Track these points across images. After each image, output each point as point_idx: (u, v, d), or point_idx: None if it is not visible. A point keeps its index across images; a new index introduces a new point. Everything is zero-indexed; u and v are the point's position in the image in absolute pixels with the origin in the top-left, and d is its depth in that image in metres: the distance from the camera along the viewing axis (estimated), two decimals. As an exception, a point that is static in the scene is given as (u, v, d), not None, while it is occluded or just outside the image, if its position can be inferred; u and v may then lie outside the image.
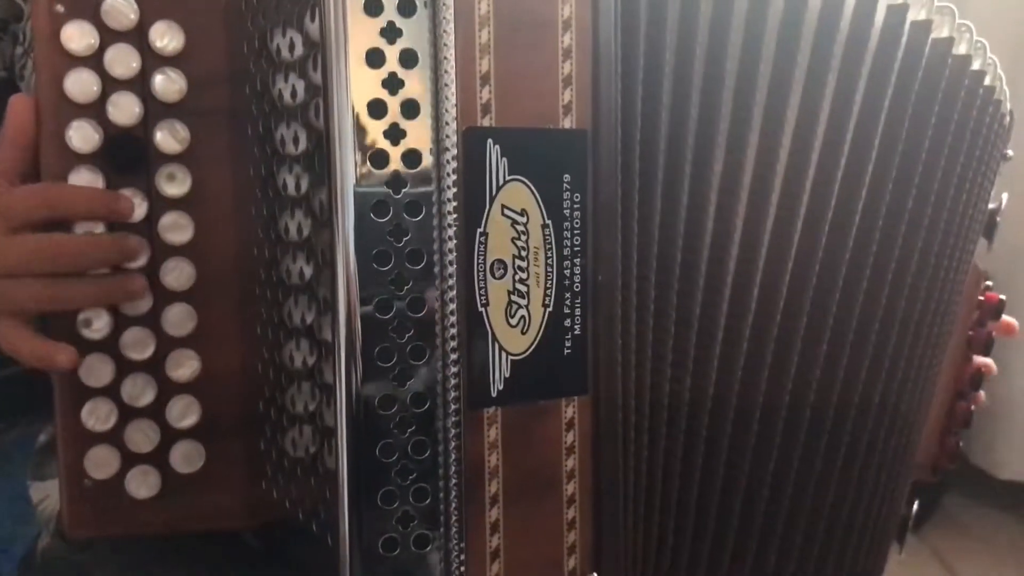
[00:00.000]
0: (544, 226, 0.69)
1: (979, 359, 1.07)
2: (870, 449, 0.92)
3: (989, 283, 1.08)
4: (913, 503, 1.05)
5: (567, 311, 0.71)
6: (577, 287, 0.71)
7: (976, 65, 0.91)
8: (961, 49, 0.90)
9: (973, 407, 1.07)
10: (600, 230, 0.72)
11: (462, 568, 0.68)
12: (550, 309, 0.70)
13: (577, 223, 0.71)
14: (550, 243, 0.70)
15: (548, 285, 0.70)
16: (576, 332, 0.72)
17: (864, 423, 0.91)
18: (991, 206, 1.03)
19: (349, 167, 0.64)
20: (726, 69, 0.77)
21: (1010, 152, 1.03)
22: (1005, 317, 1.09)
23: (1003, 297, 1.07)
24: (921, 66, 0.86)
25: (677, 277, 0.77)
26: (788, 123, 0.81)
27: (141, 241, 0.73)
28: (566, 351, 0.71)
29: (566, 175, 0.70)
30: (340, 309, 0.65)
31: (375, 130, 0.65)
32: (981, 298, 1.08)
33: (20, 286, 0.70)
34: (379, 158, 0.65)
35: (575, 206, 0.70)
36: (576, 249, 0.71)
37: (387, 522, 0.67)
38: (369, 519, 0.67)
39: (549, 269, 0.70)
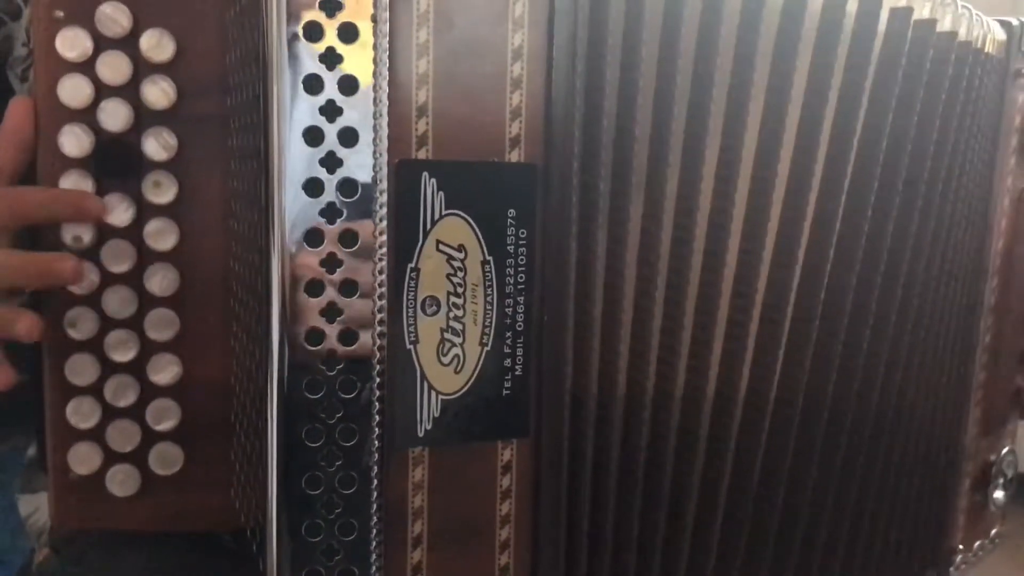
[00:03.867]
0: (484, 262, 0.67)
1: None
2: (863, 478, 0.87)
3: None
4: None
5: (507, 351, 0.68)
6: (520, 326, 0.68)
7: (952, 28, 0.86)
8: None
9: None
10: (549, 267, 0.69)
11: (381, 608, 0.67)
12: (488, 348, 0.68)
13: (522, 260, 0.68)
14: (490, 280, 0.67)
15: (487, 323, 0.67)
16: (517, 373, 0.69)
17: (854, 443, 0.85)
18: None
19: (287, 198, 0.64)
20: (712, 96, 0.73)
21: None
22: None
23: None
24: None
25: (660, 315, 0.74)
26: (784, 147, 0.77)
27: (88, 267, 0.73)
28: (505, 392, 0.69)
29: (511, 210, 0.67)
30: (273, 347, 0.65)
31: (313, 157, 0.64)
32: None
33: None
34: (315, 186, 0.64)
35: (520, 242, 0.68)
36: (520, 287, 0.68)
37: (312, 554, 0.66)
38: (295, 549, 0.66)
39: (488, 307, 0.67)
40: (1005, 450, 1.10)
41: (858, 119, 0.80)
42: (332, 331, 0.64)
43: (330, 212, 0.64)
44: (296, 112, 0.63)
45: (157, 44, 0.75)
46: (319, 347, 0.65)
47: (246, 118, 0.71)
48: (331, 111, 0.63)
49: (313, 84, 0.63)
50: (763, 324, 0.79)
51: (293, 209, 0.63)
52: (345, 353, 0.65)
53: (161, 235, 0.77)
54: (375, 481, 0.66)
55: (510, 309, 0.68)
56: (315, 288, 0.64)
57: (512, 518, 0.70)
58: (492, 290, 0.67)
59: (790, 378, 0.81)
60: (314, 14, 0.62)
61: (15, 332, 0.72)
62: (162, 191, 0.77)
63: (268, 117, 0.64)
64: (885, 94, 0.80)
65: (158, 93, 0.76)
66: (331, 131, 0.63)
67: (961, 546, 1.04)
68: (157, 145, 0.76)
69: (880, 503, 0.91)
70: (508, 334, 0.68)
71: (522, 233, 0.68)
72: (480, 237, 0.66)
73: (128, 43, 0.76)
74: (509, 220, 0.67)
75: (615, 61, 0.69)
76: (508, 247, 0.67)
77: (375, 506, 0.66)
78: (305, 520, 0.66)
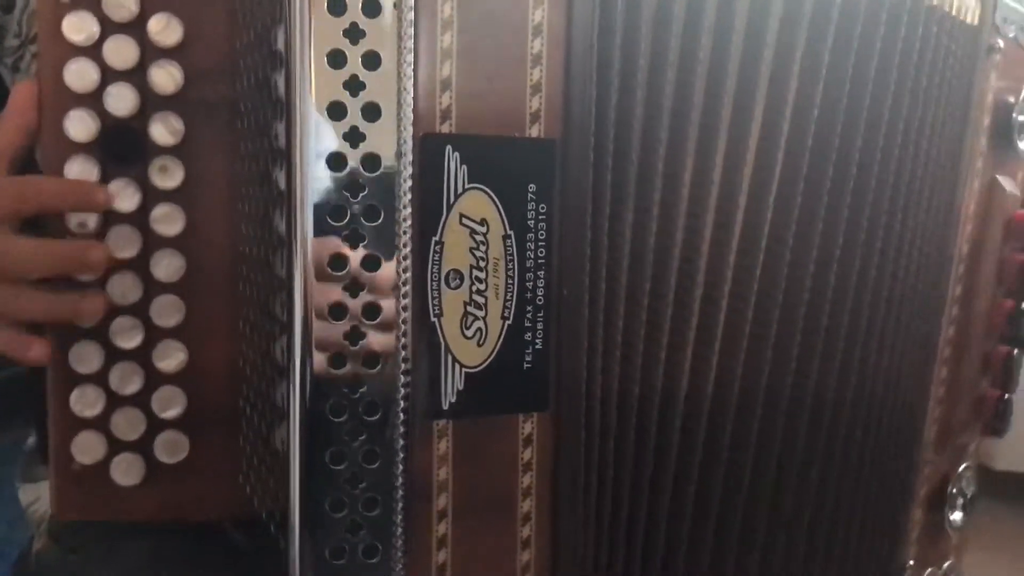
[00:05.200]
0: (505, 237, 0.67)
1: None
2: (850, 444, 0.88)
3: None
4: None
5: (528, 324, 0.69)
6: (540, 300, 0.69)
7: None
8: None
9: (1016, 351, 1.01)
10: (567, 242, 0.70)
11: (404, 581, 0.67)
12: (509, 322, 0.68)
13: (542, 234, 0.69)
14: (511, 254, 0.68)
15: (508, 297, 0.68)
16: (538, 347, 0.70)
17: (844, 416, 0.87)
18: (1011, 100, 0.97)
19: (309, 172, 0.64)
20: (696, 73, 0.74)
21: (1000, 42, 0.95)
22: None
23: None
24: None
25: (647, 291, 0.75)
26: (755, 121, 0.78)
27: (103, 255, 0.73)
28: (526, 365, 0.69)
29: (531, 185, 0.68)
30: (296, 323, 0.65)
31: (336, 131, 0.64)
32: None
33: None
34: (338, 160, 0.64)
35: (540, 217, 0.68)
36: (540, 261, 0.69)
37: (336, 530, 0.66)
38: (318, 525, 0.66)
39: (509, 281, 0.68)
40: (963, 466, 1.07)
41: (818, 92, 0.81)
42: (355, 305, 0.65)
43: (353, 187, 0.64)
44: (318, 86, 0.63)
45: (165, 28, 0.75)
46: (342, 322, 0.65)
47: (258, 99, 0.72)
48: (354, 86, 0.64)
49: (336, 58, 0.63)
50: (728, 313, 0.80)
51: (316, 184, 0.64)
52: (369, 327, 0.65)
53: (168, 220, 0.76)
54: (400, 455, 0.66)
55: (531, 283, 0.69)
56: (338, 263, 0.64)
57: (533, 491, 0.71)
58: (513, 264, 0.68)
59: (752, 365, 0.82)
60: (337, -12, 0.63)
61: (27, 359, 0.73)
62: (169, 176, 0.76)
63: (290, 92, 0.64)
64: (842, 58, 0.81)
65: (166, 78, 0.75)
66: (354, 106, 0.64)
67: (912, 562, 1.03)
68: (164, 130, 0.76)
69: (837, 504, 0.91)
70: (529, 308, 0.69)
71: (542, 208, 0.68)
72: (502, 211, 0.67)
73: (135, 27, 0.75)
74: (530, 195, 0.68)
75: (619, 39, 0.70)
76: (528, 222, 0.68)
77: (400, 480, 0.66)
78: (328, 496, 0.66)
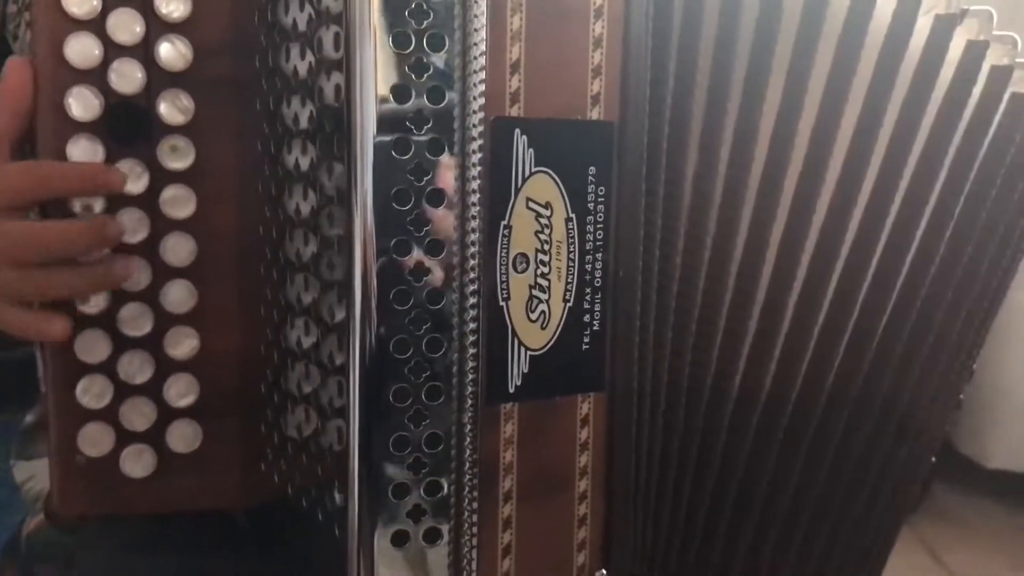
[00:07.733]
0: (568, 220, 0.68)
1: None
2: (888, 445, 0.91)
3: None
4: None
5: (587, 306, 0.70)
6: (598, 282, 0.70)
7: None
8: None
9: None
10: (623, 224, 0.70)
11: (473, 564, 0.67)
12: (570, 304, 0.69)
13: (601, 217, 0.69)
14: (573, 237, 0.68)
15: (569, 280, 0.69)
16: (595, 328, 0.70)
17: (887, 424, 0.89)
18: None
19: (369, 158, 0.62)
20: (772, 66, 0.74)
21: None
22: None
23: None
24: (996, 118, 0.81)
25: (703, 275, 0.76)
26: (847, 121, 0.76)
27: (120, 231, 0.70)
28: (584, 346, 0.70)
29: (592, 167, 0.68)
30: (356, 310, 0.64)
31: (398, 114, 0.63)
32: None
33: (5, 273, 0.67)
34: (402, 144, 0.63)
35: (599, 199, 0.69)
36: (599, 243, 0.69)
37: (398, 514, 0.66)
38: (380, 511, 0.65)
39: (571, 263, 0.68)
40: None
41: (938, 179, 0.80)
42: (419, 292, 0.64)
43: (417, 171, 0.63)
44: (382, 70, 0.62)
45: (173, 1, 0.72)
46: (405, 307, 0.64)
47: (284, 82, 0.70)
48: (419, 68, 0.62)
49: (400, 40, 0.62)
50: (798, 306, 0.80)
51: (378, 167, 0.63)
52: (433, 312, 0.64)
53: (178, 202, 0.73)
54: (467, 439, 0.66)
55: (589, 265, 0.69)
56: (401, 248, 0.63)
57: (589, 470, 0.72)
58: (574, 247, 0.68)
59: (818, 362, 0.82)
60: (401, -32, 0.62)
61: (49, 336, 0.70)
62: (179, 156, 0.73)
63: (351, 77, 0.62)
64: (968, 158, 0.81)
65: (175, 54, 0.72)
66: (420, 88, 0.62)
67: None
68: (173, 108, 0.72)
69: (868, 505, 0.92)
70: (587, 290, 0.70)
71: (601, 191, 0.69)
72: (564, 194, 0.67)
73: (139, 0, 0.72)
74: (590, 178, 0.68)
75: (679, 21, 0.71)
76: (589, 204, 0.68)
77: (468, 464, 0.66)
78: (391, 482, 0.65)
